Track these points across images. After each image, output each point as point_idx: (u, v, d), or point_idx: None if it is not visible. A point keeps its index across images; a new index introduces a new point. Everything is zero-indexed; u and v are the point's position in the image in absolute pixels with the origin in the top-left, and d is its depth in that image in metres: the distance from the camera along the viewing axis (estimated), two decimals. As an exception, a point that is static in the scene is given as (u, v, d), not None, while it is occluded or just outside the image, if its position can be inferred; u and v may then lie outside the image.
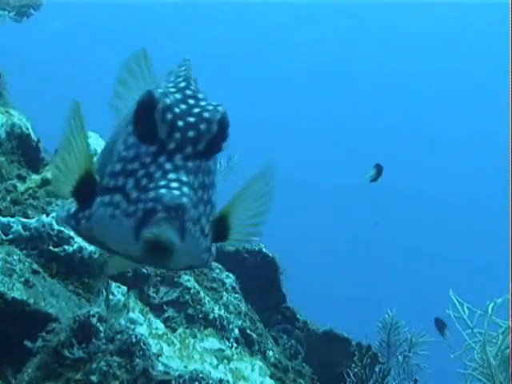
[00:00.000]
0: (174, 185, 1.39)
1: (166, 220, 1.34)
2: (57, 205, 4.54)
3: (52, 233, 3.67)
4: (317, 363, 5.69)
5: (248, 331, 5.05)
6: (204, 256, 1.53)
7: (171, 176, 1.40)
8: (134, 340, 2.66)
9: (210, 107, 1.48)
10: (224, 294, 5.24)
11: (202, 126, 1.45)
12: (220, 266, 5.51)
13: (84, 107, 1.57)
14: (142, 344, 2.66)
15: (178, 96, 1.48)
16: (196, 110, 1.47)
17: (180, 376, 2.71)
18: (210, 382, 2.73)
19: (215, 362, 4.24)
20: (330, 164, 30.35)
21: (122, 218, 1.41)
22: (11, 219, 3.70)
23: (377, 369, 5.28)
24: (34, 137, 5.45)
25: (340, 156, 30.52)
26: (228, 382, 2.93)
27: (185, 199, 1.37)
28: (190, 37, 26.05)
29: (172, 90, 1.50)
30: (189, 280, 4.87)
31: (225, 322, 4.82)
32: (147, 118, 1.45)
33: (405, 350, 5.86)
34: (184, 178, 1.40)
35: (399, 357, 5.84)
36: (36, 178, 4.95)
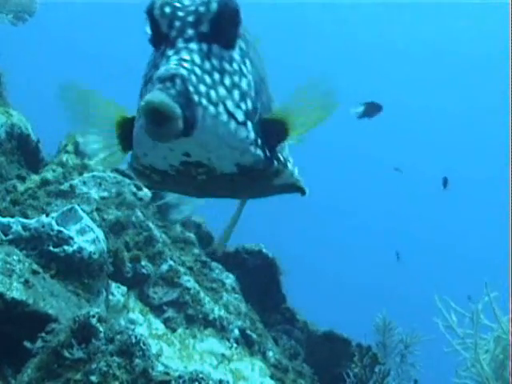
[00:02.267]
0: (173, 62, 1.36)
1: (161, 89, 1.28)
2: (57, 205, 4.54)
3: (52, 233, 3.67)
4: (317, 364, 5.68)
5: (248, 331, 5.05)
6: (250, 148, 1.44)
7: (172, 58, 1.38)
8: (133, 340, 2.66)
9: None
10: (224, 294, 5.24)
11: (201, 8, 1.42)
12: (220, 267, 5.50)
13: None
14: (141, 344, 2.66)
15: None
16: (198, 1, 1.45)
17: (180, 376, 2.71)
18: (210, 382, 2.72)
19: (215, 362, 4.25)
20: (331, 165, 30.35)
21: (140, 124, 1.40)
22: (11, 219, 3.69)
23: (377, 369, 5.27)
24: (33, 137, 5.45)
25: (341, 156, 30.53)
26: (228, 382, 2.93)
27: (182, 70, 1.32)
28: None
29: None
30: (189, 280, 4.87)
31: (225, 323, 4.82)
32: (151, 22, 1.44)
33: (401, 350, 5.86)
34: (184, 56, 1.37)
35: (396, 358, 5.84)
36: (36, 178, 4.95)
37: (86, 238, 3.79)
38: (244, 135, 1.41)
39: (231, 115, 1.38)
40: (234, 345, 4.72)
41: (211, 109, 1.34)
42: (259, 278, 5.88)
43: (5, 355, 2.95)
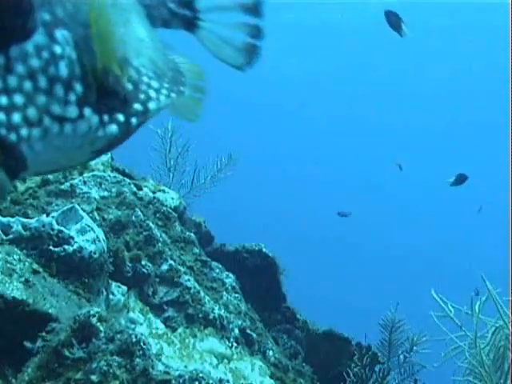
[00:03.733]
0: None
1: None
2: (57, 205, 4.55)
3: (52, 233, 3.68)
4: (317, 363, 5.69)
5: (248, 331, 5.05)
6: (98, 133, 1.20)
7: None
8: (134, 340, 2.66)
9: None
10: (224, 293, 5.24)
11: None
12: (220, 266, 5.51)
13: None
14: (142, 344, 2.67)
15: None
16: None
17: (180, 376, 2.71)
18: (210, 381, 2.73)
19: (215, 361, 4.25)
20: (331, 163, 30.35)
21: None
22: (11, 219, 3.70)
23: (377, 369, 5.28)
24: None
25: (343, 153, 30.52)
26: (228, 381, 2.93)
27: None
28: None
29: None
30: (189, 280, 4.88)
31: (225, 322, 4.82)
32: None
33: (406, 349, 5.86)
34: None
35: (400, 356, 5.85)
36: (36, 177, 4.95)
37: (87, 237, 3.79)
38: (85, 129, 1.19)
39: (62, 119, 1.15)
40: (234, 344, 4.72)
41: (35, 132, 1.11)
42: (259, 278, 5.88)
43: (5, 355, 2.96)
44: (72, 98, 1.16)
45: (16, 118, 1.09)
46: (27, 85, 1.10)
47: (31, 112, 1.10)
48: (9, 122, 1.07)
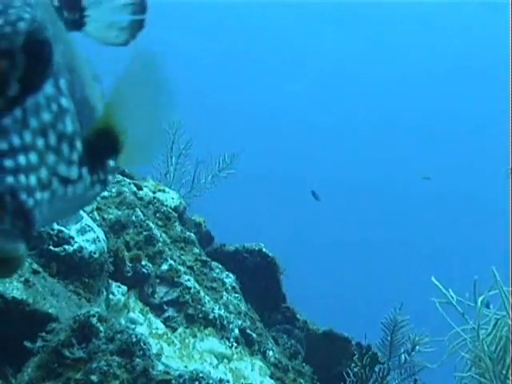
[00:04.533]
0: None
1: None
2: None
3: (52, 232, 3.68)
4: (317, 363, 5.69)
5: (248, 331, 5.05)
6: (89, 194, 1.14)
7: None
8: (134, 340, 2.66)
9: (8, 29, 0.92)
10: (224, 293, 5.24)
11: (4, 63, 0.93)
12: (220, 266, 5.51)
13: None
14: (142, 344, 2.67)
15: None
16: None
17: (180, 376, 2.71)
18: (210, 381, 2.73)
19: (215, 361, 4.25)
20: (331, 162, 30.34)
21: None
22: (11, 219, 3.69)
23: (376, 369, 5.27)
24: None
25: (341, 155, 30.51)
26: (228, 381, 2.94)
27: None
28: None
29: None
30: (189, 280, 4.88)
31: (225, 322, 4.82)
32: None
33: (407, 349, 5.85)
34: None
35: (402, 356, 5.84)
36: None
37: (87, 237, 3.80)
38: (81, 190, 1.10)
39: (66, 181, 1.04)
40: (234, 344, 4.72)
41: (45, 196, 0.98)
42: (259, 277, 5.89)
43: (5, 355, 2.96)
44: (74, 157, 1.06)
45: (33, 180, 0.96)
46: (40, 142, 0.98)
47: (43, 173, 0.98)
48: (28, 185, 0.94)
